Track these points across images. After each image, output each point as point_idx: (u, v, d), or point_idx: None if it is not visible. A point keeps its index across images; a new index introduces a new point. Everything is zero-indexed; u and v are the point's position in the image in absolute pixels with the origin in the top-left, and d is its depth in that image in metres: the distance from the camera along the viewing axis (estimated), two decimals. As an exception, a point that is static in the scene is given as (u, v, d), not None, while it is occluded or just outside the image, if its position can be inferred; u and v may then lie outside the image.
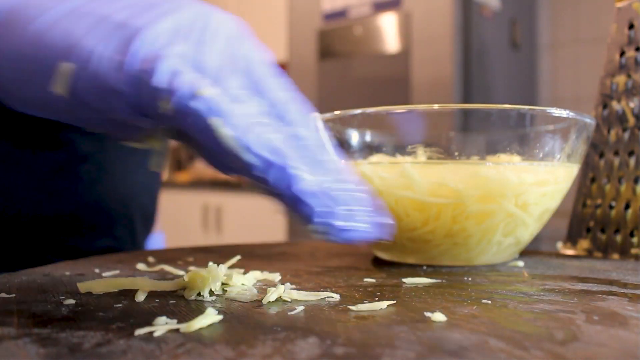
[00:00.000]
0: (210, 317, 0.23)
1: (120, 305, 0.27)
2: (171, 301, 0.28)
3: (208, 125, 0.22)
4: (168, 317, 0.24)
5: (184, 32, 0.24)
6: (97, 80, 0.23)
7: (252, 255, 0.43)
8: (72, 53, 0.23)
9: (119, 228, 0.55)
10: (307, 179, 0.23)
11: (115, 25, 0.23)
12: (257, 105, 0.24)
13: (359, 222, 0.24)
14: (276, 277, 0.34)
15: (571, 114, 0.39)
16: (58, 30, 0.24)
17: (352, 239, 0.24)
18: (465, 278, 0.34)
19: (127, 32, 0.23)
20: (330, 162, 0.25)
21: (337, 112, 0.41)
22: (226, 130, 0.21)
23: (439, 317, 0.24)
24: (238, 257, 0.39)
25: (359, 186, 0.25)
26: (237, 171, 0.23)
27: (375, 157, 0.42)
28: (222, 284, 0.30)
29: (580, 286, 0.31)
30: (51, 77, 0.24)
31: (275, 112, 0.24)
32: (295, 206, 0.23)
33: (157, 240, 0.65)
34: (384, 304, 0.26)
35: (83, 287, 0.29)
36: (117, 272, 0.36)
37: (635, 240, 0.44)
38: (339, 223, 0.23)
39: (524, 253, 0.45)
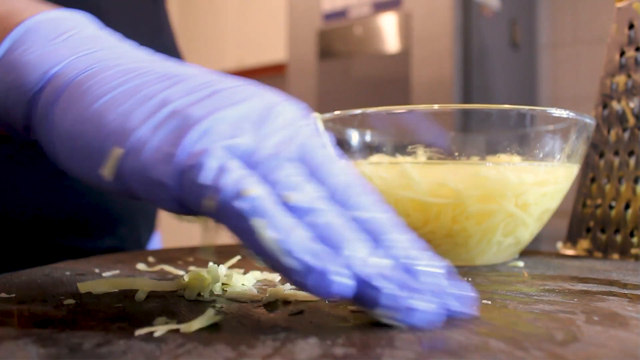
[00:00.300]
0: (210, 317, 0.23)
1: (120, 305, 0.27)
2: (171, 301, 0.28)
3: (250, 227, 0.21)
4: (168, 317, 0.24)
5: (244, 124, 0.23)
6: (143, 171, 0.22)
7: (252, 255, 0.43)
8: (126, 139, 0.23)
9: (122, 228, 0.55)
10: (368, 263, 0.22)
11: (171, 112, 0.23)
12: (315, 191, 0.23)
13: (428, 301, 0.22)
14: (276, 277, 0.34)
15: (571, 114, 0.39)
16: (117, 113, 0.23)
17: (423, 321, 0.22)
18: (465, 278, 0.34)
19: (182, 122, 0.23)
20: (399, 241, 0.24)
21: (337, 112, 0.41)
22: (269, 233, 0.21)
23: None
24: (238, 257, 0.38)
25: (430, 262, 0.24)
26: (277, 271, 0.22)
27: (376, 157, 0.42)
28: (222, 284, 0.30)
29: (580, 286, 0.31)
30: (103, 160, 0.23)
31: (337, 198, 0.23)
32: (359, 292, 0.22)
33: (155, 239, 0.65)
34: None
35: (83, 287, 0.29)
36: (117, 272, 0.36)
37: (635, 240, 0.44)
38: (406, 304, 0.22)
39: (524, 253, 0.45)
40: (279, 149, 0.23)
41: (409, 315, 0.22)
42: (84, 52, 0.27)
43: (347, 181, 0.24)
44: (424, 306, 0.22)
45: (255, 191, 0.21)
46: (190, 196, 0.22)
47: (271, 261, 0.21)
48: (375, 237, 0.23)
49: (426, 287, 0.23)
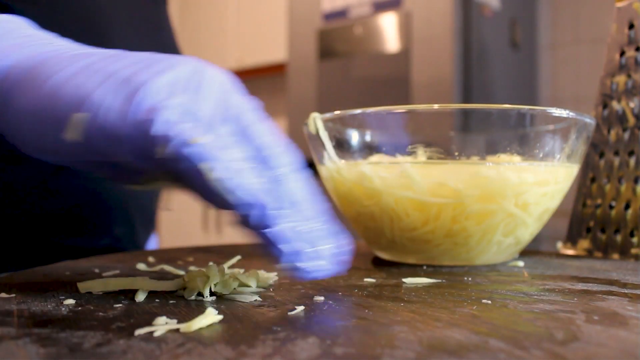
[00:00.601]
0: (210, 317, 0.23)
1: (120, 305, 0.27)
2: (171, 301, 0.28)
3: (199, 170, 0.25)
4: (168, 317, 0.24)
5: (181, 86, 0.26)
6: (105, 128, 0.26)
7: (252, 255, 0.43)
8: (83, 105, 0.26)
9: (119, 227, 0.55)
10: (280, 222, 0.26)
11: (121, 80, 0.26)
12: (244, 151, 0.27)
13: (322, 260, 0.27)
14: (272, 276, 0.34)
15: (571, 114, 0.39)
16: (71, 85, 0.27)
17: (314, 277, 0.27)
18: (465, 278, 0.34)
19: (131, 86, 0.26)
20: (305, 202, 0.27)
21: (337, 112, 0.41)
22: (214, 174, 0.24)
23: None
24: (238, 257, 0.39)
25: (327, 223, 0.28)
26: (225, 209, 0.26)
27: (375, 157, 0.42)
28: (222, 284, 0.30)
29: (580, 286, 0.31)
30: (65, 127, 0.26)
31: (261, 157, 0.27)
32: (269, 247, 0.26)
33: (152, 241, 0.65)
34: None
35: (83, 287, 0.29)
36: (117, 272, 0.36)
37: (635, 240, 0.44)
38: (304, 264, 0.26)
39: (524, 253, 0.45)
40: (215, 111, 0.27)
41: (304, 273, 0.26)
42: (31, 46, 0.30)
43: (270, 141, 0.28)
44: (318, 265, 0.27)
45: (202, 139, 0.25)
46: (147, 146, 0.25)
47: (217, 200, 0.25)
48: (288, 197, 0.27)
49: (322, 247, 0.27)
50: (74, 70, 0.27)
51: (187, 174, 0.25)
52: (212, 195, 0.25)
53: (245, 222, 0.26)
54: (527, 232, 0.40)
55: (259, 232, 0.26)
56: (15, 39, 0.31)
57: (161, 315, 0.24)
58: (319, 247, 0.27)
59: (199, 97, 0.26)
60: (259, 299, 0.28)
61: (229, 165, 0.25)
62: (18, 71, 0.28)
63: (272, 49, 2.75)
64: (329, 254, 0.27)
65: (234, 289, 0.30)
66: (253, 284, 0.31)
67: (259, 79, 3.23)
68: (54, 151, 0.28)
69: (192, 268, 0.37)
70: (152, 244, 0.65)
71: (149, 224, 0.61)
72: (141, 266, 0.38)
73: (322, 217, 0.28)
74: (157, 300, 0.28)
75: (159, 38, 0.60)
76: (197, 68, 0.27)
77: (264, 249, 0.27)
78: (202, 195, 0.26)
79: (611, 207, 0.46)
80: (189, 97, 0.26)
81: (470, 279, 0.34)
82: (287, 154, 0.28)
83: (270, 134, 0.28)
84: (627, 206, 0.45)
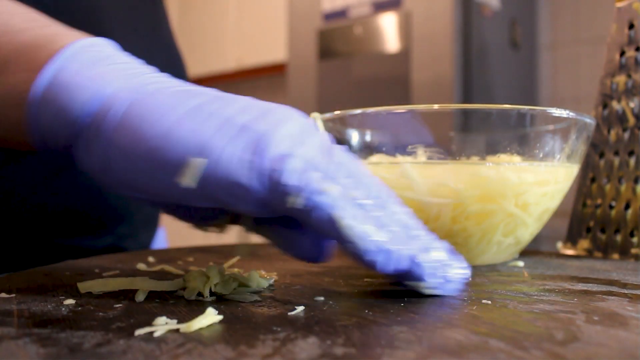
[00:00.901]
0: (210, 317, 0.23)
1: (120, 305, 0.27)
2: (171, 301, 0.28)
3: (332, 218, 0.26)
4: (168, 317, 0.24)
5: (297, 138, 0.27)
6: (228, 177, 0.25)
7: (252, 255, 0.43)
8: (203, 150, 0.25)
9: (120, 226, 0.55)
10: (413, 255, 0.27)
11: (240, 127, 0.26)
12: (361, 196, 0.27)
13: (452, 278, 0.29)
14: (272, 276, 0.34)
15: (571, 114, 0.39)
16: (187, 128, 0.26)
17: (452, 291, 0.29)
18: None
19: (253, 135, 0.26)
20: (421, 236, 0.29)
21: (337, 112, 0.41)
22: (346, 222, 0.26)
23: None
24: (237, 257, 0.39)
25: (443, 250, 0.29)
26: (353, 254, 0.27)
27: (375, 157, 0.42)
28: (222, 284, 0.30)
29: (580, 286, 0.31)
30: (179, 172, 0.26)
31: (378, 204, 0.28)
32: (407, 277, 0.28)
33: (160, 236, 0.65)
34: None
35: (83, 287, 0.29)
36: (117, 272, 0.36)
37: (635, 240, 0.44)
38: (442, 282, 0.28)
39: (524, 253, 0.45)
40: (329, 161, 0.27)
41: (444, 285, 0.28)
42: (131, 75, 0.28)
43: (373, 182, 0.29)
44: (454, 277, 0.29)
45: (334, 188, 0.26)
46: (275, 196, 0.26)
47: (348, 246, 0.26)
48: (404, 229, 0.28)
49: (447, 270, 0.29)
50: (185, 110, 0.26)
51: (317, 223, 0.26)
52: (344, 241, 0.26)
53: (372, 266, 0.27)
54: (527, 232, 0.40)
55: (387, 272, 0.27)
56: (110, 64, 0.29)
57: (161, 315, 0.24)
58: (447, 271, 0.29)
59: (313, 148, 0.27)
60: (258, 298, 0.28)
61: (356, 212, 0.26)
62: (121, 103, 0.27)
63: (272, 49, 2.75)
64: (457, 275, 0.29)
65: (234, 289, 0.30)
66: (253, 284, 0.31)
67: (258, 79, 3.23)
68: (160, 195, 0.27)
69: (192, 268, 0.37)
70: (160, 241, 0.65)
71: (152, 223, 0.61)
72: (141, 266, 0.38)
73: (439, 243, 0.29)
74: (157, 300, 0.28)
75: (158, 38, 0.60)
76: (305, 123, 0.28)
77: (402, 282, 0.28)
78: (334, 239, 0.27)
79: (611, 207, 0.46)
80: (308, 149, 0.27)
81: (470, 279, 0.34)
82: (388, 191, 0.29)
83: (370, 176, 0.29)
84: (627, 206, 0.45)
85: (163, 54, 0.59)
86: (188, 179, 0.26)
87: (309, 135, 0.27)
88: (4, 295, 0.28)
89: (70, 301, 0.27)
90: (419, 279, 0.28)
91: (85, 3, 0.51)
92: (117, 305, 0.26)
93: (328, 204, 0.26)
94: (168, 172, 0.26)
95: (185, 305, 0.27)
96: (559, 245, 0.49)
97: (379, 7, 1.91)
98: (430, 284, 0.28)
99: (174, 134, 0.26)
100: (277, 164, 0.25)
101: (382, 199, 0.28)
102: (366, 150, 0.43)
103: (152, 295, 0.29)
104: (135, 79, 0.28)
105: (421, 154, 0.41)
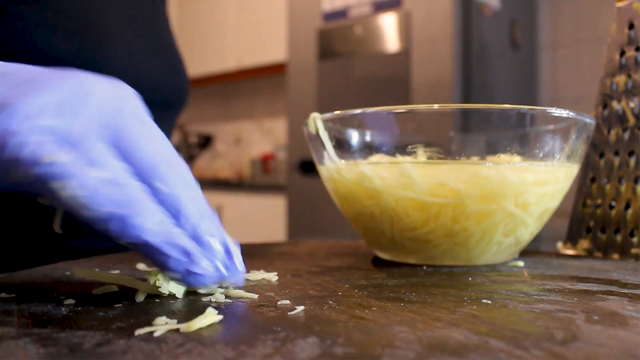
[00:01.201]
0: (210, 317, 0.23)
1: (120, 305, 0.27)
2: (171, 301, 0.28)
3: (50, 188, 0.24)
4: (168, 317, 0.24)
5: (54, 105, 0.26)
6: None
7: (252, 255, 0.43)
8: None
9: None
10: (154, 229, 0.26)
11: None
12: (116, 169, 0.26)
13: (206, 268, 0.27)
14: (272, 277, 0.34)
15: (571, 114, 0.39)
16: None
17: (200, 283, 0.27)
18: (466, 278, 0.34)
19: None
20: (192, 215, 0.28)
21: (337, 112, 0.41)
22: (65, 192, 0.24)
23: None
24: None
25: (216, 235, 0.28)
26: (87, 222, 0.26)
27: (376, 157, 0.42)
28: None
29: (580, 286, 0.31)
30: None
31: (139, 172, 0.27)
32: (151, 256, 0.26)
33: None
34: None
35: (79, 272, 0.30)
36: (117, 272, 0.36)
37: (635, 240, 0.44)
38: (191, 269, 0.27)
39: (524, 253, 0.45)
40: (89, 128, 0.26)
41: (190, 278, 0.27)
42: None
43: (155, 161, 0.27)
44: (201, 271, 0.27)
45: (54, 157, 0.24)
46: (6, 173, 0.25)
47: (77, 216, 0.25)
48: (172, 210, 0.27)
49: (206, 255, 0.27)
50: None
51: (42, 193, 0.25)
52: (72, 212, 0.25)
53: (107, 233, 0.26)
54: (527, 232, 0.40)
55: (127, 241, 0.26)
56: None
57: (161, 315, 0.24)
58: (206, 254, 0.27)
59: (73, 115, 0.26)
60: (259, 299, 0.28)
61: (86, 182, 0.25)
62: None
63: (272, 49, 2.75)
64: (217, 260, 0.28)
65: (234, 289, 0.30)
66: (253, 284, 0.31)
67: (258, 79, 3.23)
68: None
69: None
70: None
71: None
72: (141, 266, 0.38)
73: (212, 226, 0.28)
74: (157, 300, 0.28)
75: (157, 38, 0.60)
76: (85, 85, 0.27)
77: (148, 259, 0.27)
78: (60, 208, 0.26)
79: (611, 207, 0.46)
80: (61, 116, 0.26)
81: (470, 278, 0.34)
82: (170, 166, 0.28)
83: (158, 153, 0.28)
84: (627, 206, 0.45)
85: (162, 54, 0.59)
86: None
87: (78, 100, 0.26)
88: (4, 295, 0.28)
89: (70, 301, 0.27)
90: (155, 257, 0.26)
91: (84, 7, 0.51)
92: (117, 305, 0.26)
93: (47, 174, 0.24)
94: None
95: (186, 305, 0.27)
96: (559, 245, 0.49)
97: (379, 7, 1.91)
98: (170, 267, 0.27)
99: None
100: (1, 139, 0.24)
101: (154, 173, 0.27)
102: (366, 150, 0.43)
103: (152, 295, 0.29)
104: None
105: (421, 154, 0.41)
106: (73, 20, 0.49)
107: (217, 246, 0.28)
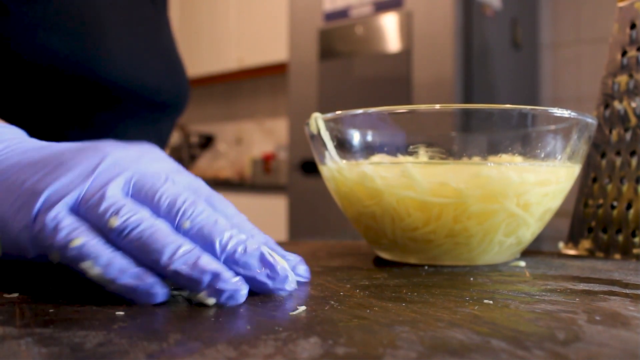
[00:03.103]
0: (210, 315, 0.23)
1: (122, 305, 0.27)
2: (172, 300, 0.28)
3: (82, 269, 0.27)
4: (169, 316, 0.24)
5: (77, 181, 0.29)
6: (16, 243, 0.29)
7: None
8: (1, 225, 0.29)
9: None
10: (181, 259, 0.27)
11: (23, 191, 0.29)
12: (133, 210, 0.28)
13: (240, 287, 0.27)
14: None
15: (573, 114, 0.39)
16: None
17: (236, 302, 0.27)
18: (467, 278, 0.34)
19: (31, 197, 0.29)
20: (224, 242, 0.29)
21: (338, 112, 0.41)
22: (94, 271, 0.27)
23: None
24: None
25: (253, 252, 0.29)
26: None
27: (377, 157, 0.42)
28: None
29: (581, 286, 0.31)
30: None
31: (163, 213, 0.29)
32: (183, 283, 0.27)
33: None
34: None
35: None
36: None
37: (637, 240, 0.44)
38: (224, 289, 0.27)
39: (526, 253, 0.45)
40: (102, 188, 0.29)
41: (225, 299, 0.27)
42: None
43: (175, 201, 0.30)
44: (235, 291, 0.27)
45: (79, 240, 0.27)
46: (46, 254, 0.28)
47: (109, 288, 0.27)
48: (201, 240, 0.29)
49: (244, 273, 0.28)
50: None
51: (79, 271, 0.27)
52: (103, 285, 0.27)
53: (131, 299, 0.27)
54: (528, 232, 0.40)
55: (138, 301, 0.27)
56: None
57: (163, 314, 0.24)
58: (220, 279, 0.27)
59: (92, 180, 0.29)
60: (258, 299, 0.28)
61: (110, 258, 0.27)
62: None
63: (273, 49, 2.75)
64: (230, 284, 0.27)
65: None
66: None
67: (259, 79, 3.23)
68: None
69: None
70: None
71: None
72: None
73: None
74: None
75: (158, 41, 0.60)
76: (104, 154, 0.30)
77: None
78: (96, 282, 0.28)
79: (613, 207, 0.46)
80: (79, 187, 0.29)
81: (471, 278, 0.34)
82: (189, 202, 0.30)
83: (173, 194, 0.30)
84: (629, 206, 0.45)
85: (163, 58, 0.59)
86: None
87: (94, 170, 0.29)
88: (6, 295, 0.28)
89: (72, 301, 0.27)
90: (188, 284, 0.27)
91: (85, 8, 0.51)
92: (119, 305, 0.27)
93: (75, 256, 0.27)
94: None
95: (186, 304, 0.27)
96: (561, 245, 0.49)
97: (380, 7, 1.91)
98: (203, 291, 0.27)
99: None
100: (37, 225, 0.28)
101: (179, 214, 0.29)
102: (367, 150, 0.43)
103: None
104: None
105: (423, 154, 0.41)
106: (75, 20, 0.49)
107: (254, 262, 0.29)
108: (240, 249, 0.29)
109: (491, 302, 0.27)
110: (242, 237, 0.29)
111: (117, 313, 0.25)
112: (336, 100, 2.02)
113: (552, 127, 0.40)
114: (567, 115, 0.39)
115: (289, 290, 0.30)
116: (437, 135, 0.42)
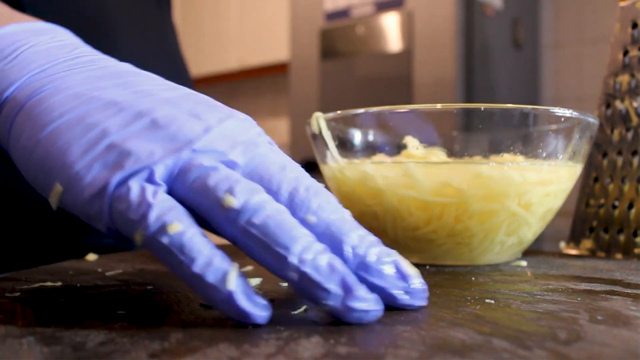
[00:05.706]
0: (212, 314, 0.23)
1: (124, 303, 0.27)
2: (172, 300, 0.28)
3: (175, 260, 0.22)
4: (171, 315, 0.24)
5: (186, 142, 0.24)
6: (81, 206, 0.24)
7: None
8: (65, 174, 0.24)
9: None
10: (309, 259, 0.22)
11: (108, 146, 0.24)
12: (251, 188, 0.24)
13: (369, 302, 0.23)
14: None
15: (574, 114, 0.39)
16: (60, 145, 0.25)
17: (361, 320, 0.23)
18: (469, 277, 0.34)
19: (115, 156, 0.24)
20: (357, 244, 0.24)
21: (339, 112, 0.41)
22: (190, 270, 0.22)
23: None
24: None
25: (380, 258, 0.25)
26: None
27: (378, 157, 0.42)
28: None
29: (583, 286, 0.31)
30: (49, 190, 0.25)
31: (283, 200, 0.25)
32: (306, 290, 0.23)
33: None
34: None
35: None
36: (120, 271, 0.36)
37: (638, 240, 0.44)
38: (351, 305, 0.22)
39: (527, 253, 0.45)
40: (215, 152, 0.25)
41: (349, 314, 0.22)
42: (34, 71, 0.27)
43: (295, 185, 0.25)
44: (363, 307, 0.22)
45: (177, 227, 0.22)
46: (122, 229, 0.23)
47: (196, 288, 0.22)
48: (329, 240, 0.24)
49: (377, 286, 0.24)
50: (66, 122, 0.25)
51: (165, 260, 0.23)
52: (190, 284, 0.23)
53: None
54: (530, 232, 0.40)
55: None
56: (17, 58, 0.28)
57: (166, 314, 0.24)
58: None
59: (200, 144, 0.25)
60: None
61: (202, 248, 0.22)
62: (15, 105, 0.26)
63: (274, 48, 2.75)
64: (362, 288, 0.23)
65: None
66: (255, 284, 0.31)
67: (261, 79, 3.23)
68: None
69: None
70: None
71: None
72: (143, 265, 0.38)
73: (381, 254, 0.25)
74: (160, 299, 0.28)
75: (163, 43, 0.60)
76: (212, 123, 0.26)
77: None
78: (180, 277, 0.23)
79: (614, 207, 0.46)
80: (186, 151, 0.24)
81: (473, 278, 0.34)
82: (319, 197, 0.25)
83: (298, 178, 0.25)
84: (631, 206, 0.45)
85: (168, 62, 0.60)
86: (51, 201, 0.25)
87: (204, 134, 0.25)
88: (7, 294, 0.28)
89: (73, 300, 0.27)
90: (311, 291, 0.22)
91: (93, 11, 0.51)
92: (121, 304, 0.27)
93: (169, 244, 0.22)
94: (43, 188, 0.26)
95: (189, 304, 0.27)
96: (562, 245, 0.49)
97: (381, 7, 1.91)
98: (328, 302, 0.22)
99: (46, 150, 0.25)
100: (123, 193, 0.23)
101: (300, 204, 0.24)
102: (369, 149, 0.43)
103: (154, 292, 0.29)
104: (37, 74, 0.27)
105: (423, 152, 0.41)
106: (82, 22, 0.49)
107: (390, 272, 0.25)
108: (372, 254, 0.24)
109: (493, 301, 0.27)
110: (372, 239, 0.25)
111: (118, 312, 0.25)
112: (337, 99, 2.02)
113: (554, 126, 0.40)
114: (568, 115, 0.39)
115: (421, 305, 0.26)
116: (439, 135, 0.42)
